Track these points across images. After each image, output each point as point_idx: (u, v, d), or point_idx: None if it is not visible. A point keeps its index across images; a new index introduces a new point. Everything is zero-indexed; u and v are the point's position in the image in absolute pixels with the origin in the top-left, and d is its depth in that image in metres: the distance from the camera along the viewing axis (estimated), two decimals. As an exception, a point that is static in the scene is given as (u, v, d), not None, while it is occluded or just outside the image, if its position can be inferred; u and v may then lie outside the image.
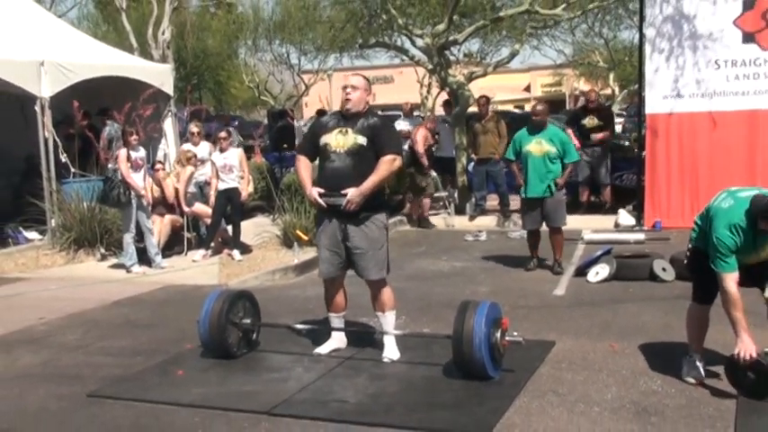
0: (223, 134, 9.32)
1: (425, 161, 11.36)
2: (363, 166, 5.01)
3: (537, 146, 7.82)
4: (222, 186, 9.13)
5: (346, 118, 5.12)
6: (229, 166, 9.15)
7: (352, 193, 4.97)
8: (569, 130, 11.28)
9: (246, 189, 9.39)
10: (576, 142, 11.15)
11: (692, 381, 4.53)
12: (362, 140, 5.02)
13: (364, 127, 5.05)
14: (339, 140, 5.06)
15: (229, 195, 9.19)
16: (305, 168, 5.31)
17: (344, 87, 5.17)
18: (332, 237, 5.17)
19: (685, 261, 4.75)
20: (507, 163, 8.37)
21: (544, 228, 8.00)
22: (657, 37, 10.18)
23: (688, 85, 10.07)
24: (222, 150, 9.19)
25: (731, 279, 4.20)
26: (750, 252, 4.24)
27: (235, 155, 9.26)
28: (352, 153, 5.03)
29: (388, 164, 5.02)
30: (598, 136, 11.28)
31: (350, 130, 5.05)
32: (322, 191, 5.10)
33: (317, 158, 5.28)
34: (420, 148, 11.36)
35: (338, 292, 5.36)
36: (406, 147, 14.41)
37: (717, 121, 9.97)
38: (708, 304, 4.56)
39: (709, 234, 4.28)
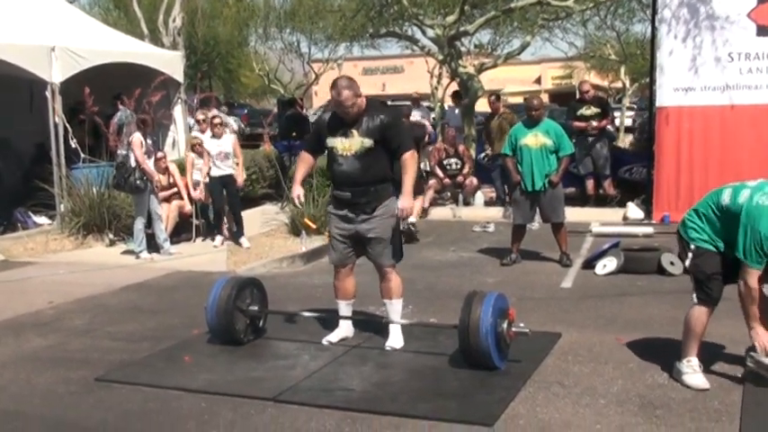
0: (217, 120, 9.31)
1: (439, 173, 11.70)
2: (373, 166, 5.02)
3: (534, 138, 7.79)
4: (217, 173, 9.14)
5: (348, 121, 5.04)
6: (224, 153, 9.17)
7: (402, 203, 5.03)
8: (572, 121, 11.28)
9: (242, 175, 9.38)
10: (580, 124, 11.16)
11: (698, 387, 4.38)
12: (369, 143, 4.99)
13: (369, 128, 4.98)
14: (345, 144, 5.02)
15: (225, 182, 9.20)
16: (303, 164, 5.45)
17: (336, 100, 4.97)
18: (343, 226, 5.21)
19: (688, 263, 4.49)
20: (503, 158, 8.31)
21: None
22: (672, 19, 10.07)
23: (700, 78, 9.98)
24: (216, 137, 9.19)
25: (758, 275, 4.18)
26: None
27: (229, 141, 9.25)
28: (359, 156, 5.01)
29: (412, 159, 5.05)
30: (600, 124, 11.20)
31: (355, 133, 5.00)
32: (302, 191, 5.36)
33: (326, 155, 5.27)
34: (431, 161, 11.91)
35: (348, 279, 5.37)
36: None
37: (728, 114, 9.88)
38: (716, 305, 4.45)
39: (753, 230, 4.09)
